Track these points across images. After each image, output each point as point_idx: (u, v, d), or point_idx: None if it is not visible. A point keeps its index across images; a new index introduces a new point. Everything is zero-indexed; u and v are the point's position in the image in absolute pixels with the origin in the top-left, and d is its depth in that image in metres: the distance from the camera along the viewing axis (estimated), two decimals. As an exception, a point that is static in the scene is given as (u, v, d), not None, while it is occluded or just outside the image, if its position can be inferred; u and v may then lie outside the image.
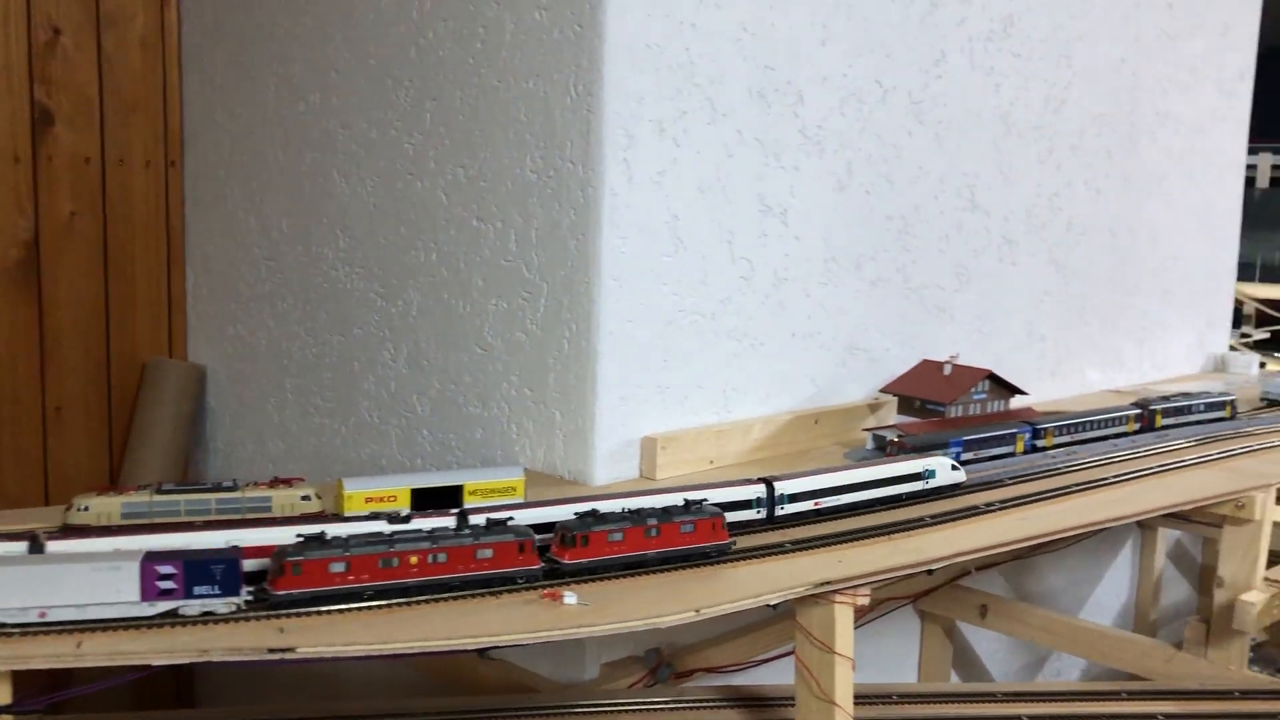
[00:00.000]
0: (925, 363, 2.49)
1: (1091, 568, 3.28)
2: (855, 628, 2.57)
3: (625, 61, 1.96)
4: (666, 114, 2.04)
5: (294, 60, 2.47)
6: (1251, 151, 7.84)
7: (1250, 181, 7.73)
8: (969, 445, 2.17)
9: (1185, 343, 3.60)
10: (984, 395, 2.41)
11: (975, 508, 1.91)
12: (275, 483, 1.63)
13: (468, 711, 1.72)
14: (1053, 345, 3.03)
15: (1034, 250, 2.92)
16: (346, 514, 1.58)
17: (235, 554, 1.35)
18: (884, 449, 2.18)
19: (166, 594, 1.31)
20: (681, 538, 1.57)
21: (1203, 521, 2.33)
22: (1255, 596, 2.17)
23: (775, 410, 2.33)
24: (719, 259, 2.18)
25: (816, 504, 1.80)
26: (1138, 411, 2.56)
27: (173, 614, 1.31)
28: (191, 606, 1.32)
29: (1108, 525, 1.99)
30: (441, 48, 2.19)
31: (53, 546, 1.42)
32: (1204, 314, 3.67)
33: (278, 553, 1.37)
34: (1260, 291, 6.59)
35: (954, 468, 2.00)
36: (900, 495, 1.91)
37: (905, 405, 2.43)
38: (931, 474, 1.96)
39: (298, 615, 1.33)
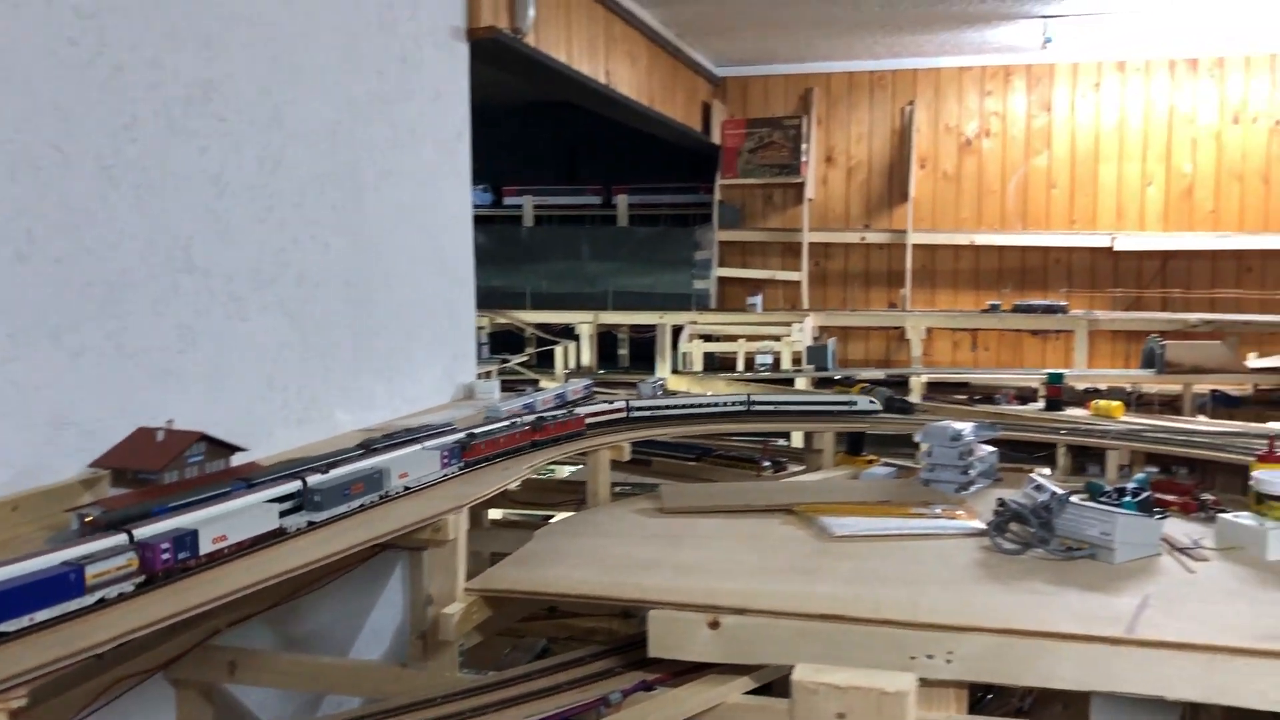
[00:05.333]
0: (140, 430, 2.45)
1: (364, 598, 3.47)
2: (97, 708, 2.46)
3: None
4: None
5: None
6: (519, 194, 8.93)
7: (519, 220, 8.79)
8: (175, 510, 2.17)
9: (434, 376, 3.96)
10: (200, 457, 2.43)
11: (157, 578, 1.92)
12: None
13: None
14: (296, 394, 3.15)
15: (265, 305, 3.01)
16: None
17: (460, 443, 2.88)
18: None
19: (447, 464, 2.77)
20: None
21: (409, 546, 2.58)
22: (454, 608, 2.45)
23: (-38, 502, 2.13)
24: None
25: None
26: (361, 451, 2.76)
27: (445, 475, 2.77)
28: (451, 470, 2.81)
29: (303, 571, 2.12)
30: None
31: None
32: (449, 349, 4.07)
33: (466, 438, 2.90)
34: (534, 317, 7.48)
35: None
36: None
37: (119, 477, 2.36)
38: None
39: None
